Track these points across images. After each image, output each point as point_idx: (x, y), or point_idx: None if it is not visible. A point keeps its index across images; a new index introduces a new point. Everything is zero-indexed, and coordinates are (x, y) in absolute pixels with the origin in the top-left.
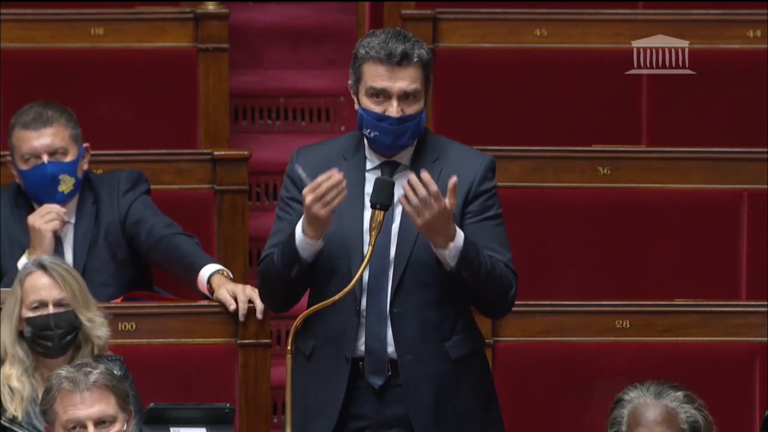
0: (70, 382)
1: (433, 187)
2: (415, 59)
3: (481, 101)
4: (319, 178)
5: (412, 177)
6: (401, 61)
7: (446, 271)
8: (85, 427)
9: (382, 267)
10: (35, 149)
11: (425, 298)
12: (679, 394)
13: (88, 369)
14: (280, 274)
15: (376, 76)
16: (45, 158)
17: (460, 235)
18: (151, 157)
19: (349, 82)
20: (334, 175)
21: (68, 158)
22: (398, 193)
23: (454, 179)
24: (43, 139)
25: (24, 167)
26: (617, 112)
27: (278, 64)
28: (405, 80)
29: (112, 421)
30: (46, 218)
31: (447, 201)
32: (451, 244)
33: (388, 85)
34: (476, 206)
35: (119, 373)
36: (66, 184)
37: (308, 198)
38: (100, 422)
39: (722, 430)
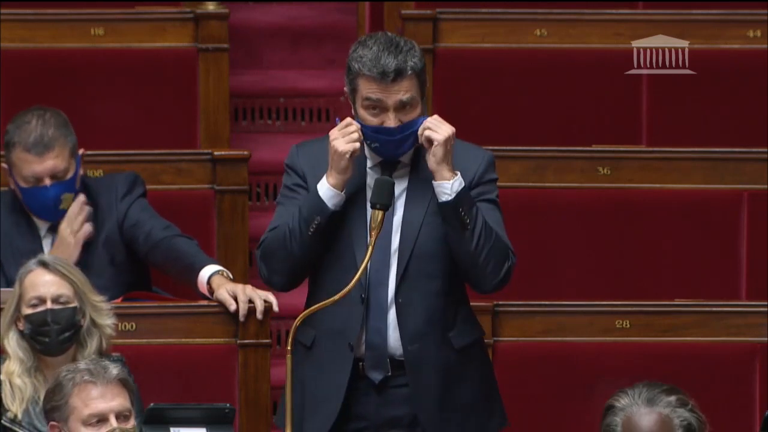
0: (90, 375)
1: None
2: (409, 72)
3: (481, 101)
4: (350, 120)
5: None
6: (395, 77)
7: (442, 209)
8: (107, 420)
9: (384, 261)
10: (38, 174)
11: (429, 288)
12: (672, 398)
13: (105, 363)
14: (293, 238)
15: (370, 90)
16: (47, 181)
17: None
18: (151, 157)
19: (345, 89)
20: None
21: (68, 175)
22: (401, 189)
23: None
24: (47, 163)
25: (24, 185)
26: (617, 112)
27: (278, 64)
28: (400, 92)
29: (129, 415)
30: (80, 234)
31: None
32: (457, 174)
33: (383, 96)
34: (476, 192)
35: None
36: (66, 202)
37: (333, 133)
38: (120, 416)
39: (722, 430)
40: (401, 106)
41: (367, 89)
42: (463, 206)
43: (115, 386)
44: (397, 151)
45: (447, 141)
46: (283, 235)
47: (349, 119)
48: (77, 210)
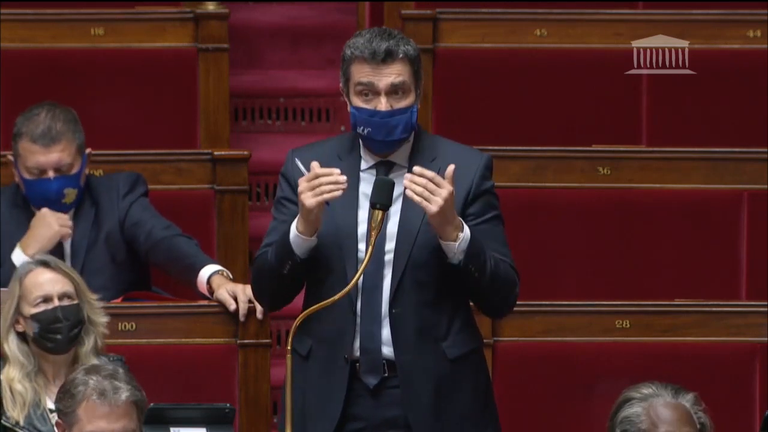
0: (99, 394)
1: (429, 172)
2: (401, 55)
3: (481, 101)
4: (319, 170)
5: (408, 174)
6: (386, 58)
7: (452, 270)
8: None
9: (378, 266)
10: (42, 165)
11: (423, 298)
12: (690, 396)
13: (118, 384)
14: (273, 271)
15: (362, 73)
16: (51, 174)
17: (466, 227)
18: (151, 157)
19: (341, 84)
20: (335, 172)
21: (73, 171)
22: (398, 192)
23: (451, 167)
24: (52, 155)
25: (28, 177)
26: (617, 112)
27: (278, 64)
28: (391, 75)
29: None
30: (62, 221)
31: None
32: (461, 235)
33: (374, 79)
34: (477, 208)
35: None
36: (69, 197)
37: (302, 185)
38: None
39: (722, 430)
40: (393, 91)
41: (359, 73)
42: (472, 263)
43: (123, 407)
44: (387, 138)
45: (441, 212)
46: (263, 266)
47: (315, 166)
48: (66, 218)
